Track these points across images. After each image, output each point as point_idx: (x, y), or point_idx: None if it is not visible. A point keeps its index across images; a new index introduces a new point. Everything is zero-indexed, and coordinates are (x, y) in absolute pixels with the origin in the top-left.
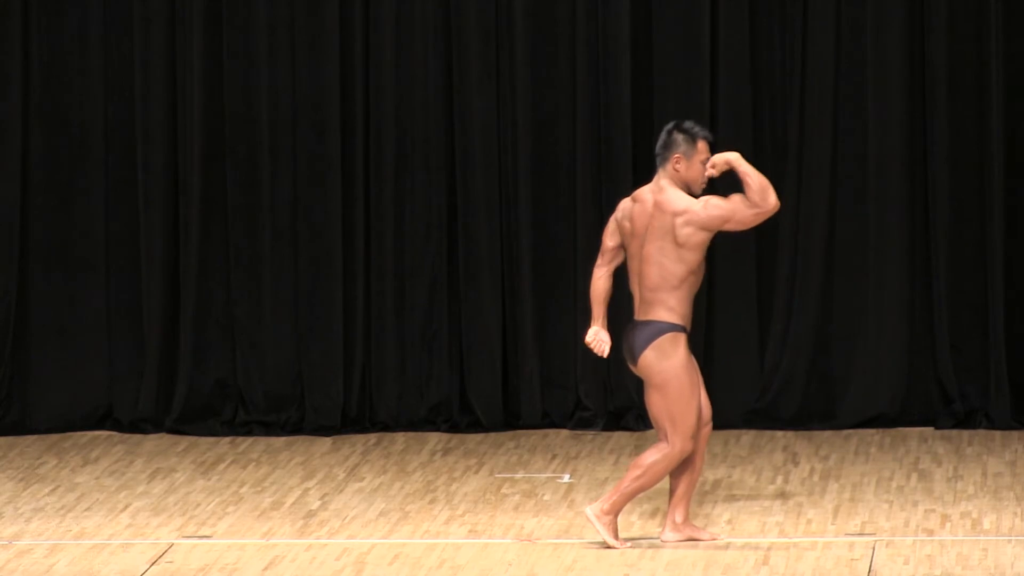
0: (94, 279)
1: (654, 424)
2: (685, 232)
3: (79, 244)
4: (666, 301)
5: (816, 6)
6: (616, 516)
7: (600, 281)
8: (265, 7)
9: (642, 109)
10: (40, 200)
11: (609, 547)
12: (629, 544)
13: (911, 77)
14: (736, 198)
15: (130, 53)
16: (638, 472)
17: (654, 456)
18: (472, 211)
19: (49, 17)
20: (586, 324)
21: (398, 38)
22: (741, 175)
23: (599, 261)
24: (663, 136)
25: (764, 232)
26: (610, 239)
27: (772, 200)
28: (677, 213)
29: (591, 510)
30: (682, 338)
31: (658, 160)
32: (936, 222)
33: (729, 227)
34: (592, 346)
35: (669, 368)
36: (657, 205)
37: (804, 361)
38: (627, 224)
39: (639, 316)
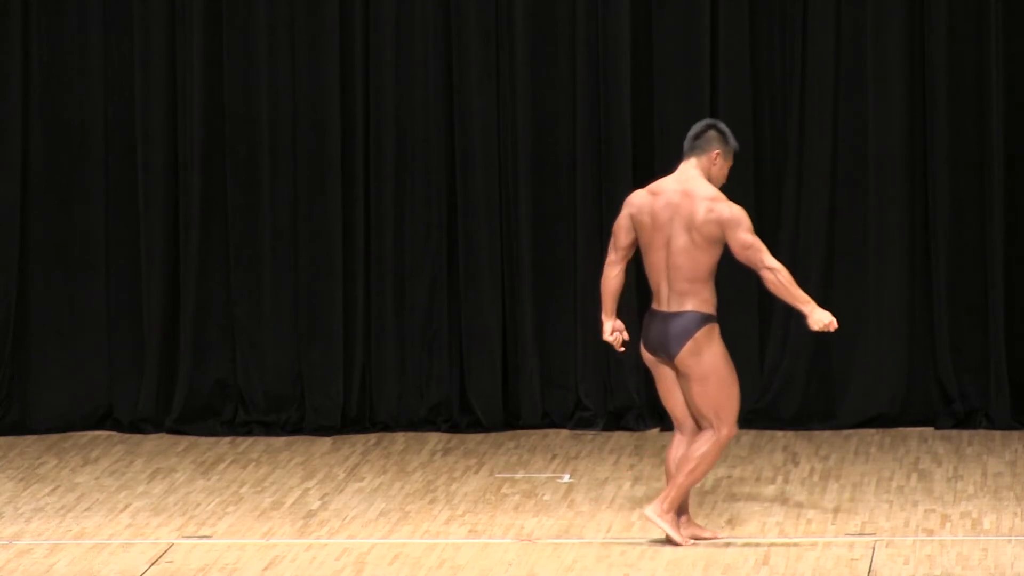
0: (94, 279)
1: (697, 414)
2: (710, 217)
3: (79, 244)
4: (700, 292)
5: (816, 6)
6: (676, 513)
7: (616, 279)
8: (265, 7)
9: (642, 109)
10: (40, 200)
11: (676, 543)
12: (692, 542)
13: (911, 77)
14: (757, 240)
15: (130, 53)
16: (691, 465)
17: (703, 446)
18: (472, 211)
19: (49, 17)
20: (585, 323)
21: (398, 38)
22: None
23: (613, 257)
24: (702, 129)
25: (764, 232)
26: (625, 236)
27: (765, 275)
28: (709, 198)
29: (651, 511)
30: (716, 328)
31: (693, 151)
32: (936, 222)
33: (731, 235)
34: (612, 341)
35: (709, 359)
36: (686, 194)
37: (804, 361)
38: (646, 219)
39: (671, 308)
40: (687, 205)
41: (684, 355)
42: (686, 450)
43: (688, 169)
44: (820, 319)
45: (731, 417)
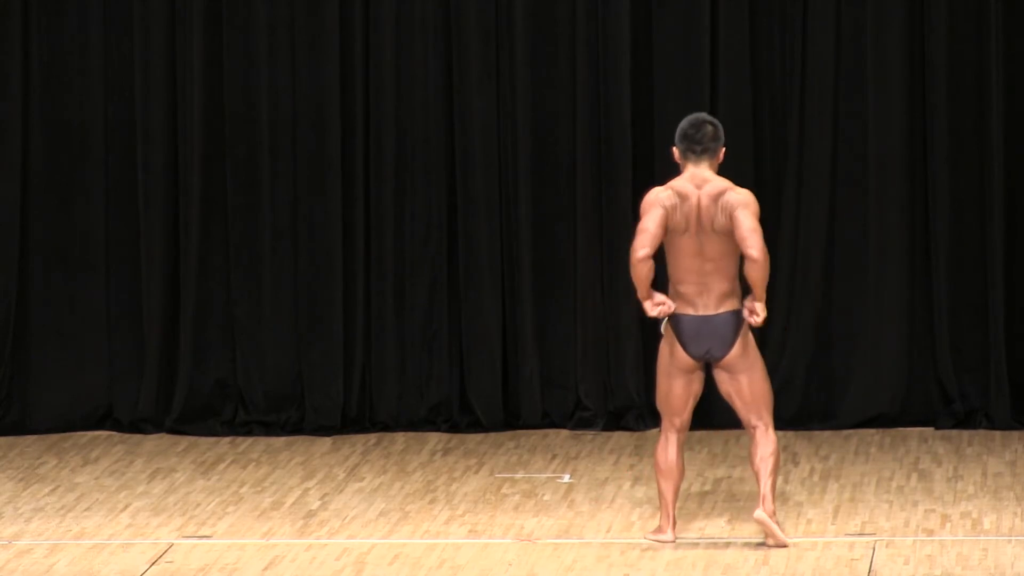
0: (94, 279)
1: (744, 406)
2: (724, 206)
3: (79, 244)
4: (736, 291)
5: (816, 6)
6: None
7: (652, 269)
8: (265, 7)
9: (642, 109)
10: (40, 200)
11: (783, 544)
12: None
13: (911, 77)
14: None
15: (130, 53)
16: (768, 467)
17: (768, 446)
18: (472, 211)
19: (49, 17)
20: (585, 323)
21: (398, 38)
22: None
23: (648, 250)
24: (706, 127)
25: (763, 233)
26: (659, 227)
27: (759, 258)
28: (724, 190)
29: (762, 513)
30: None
31: (705, 153)
32: (936, 222)
33: (739, 215)
34: (662, 311)
35: (752, 351)
36: (711, 197)
37: (804, 361)
38: (680, 220)
39: (708, 311)
40: (711, 208)
41: (734, 354)
42: (754, 459)
43: (702, 172)
44: (759, 312)
45: (771, 405)
